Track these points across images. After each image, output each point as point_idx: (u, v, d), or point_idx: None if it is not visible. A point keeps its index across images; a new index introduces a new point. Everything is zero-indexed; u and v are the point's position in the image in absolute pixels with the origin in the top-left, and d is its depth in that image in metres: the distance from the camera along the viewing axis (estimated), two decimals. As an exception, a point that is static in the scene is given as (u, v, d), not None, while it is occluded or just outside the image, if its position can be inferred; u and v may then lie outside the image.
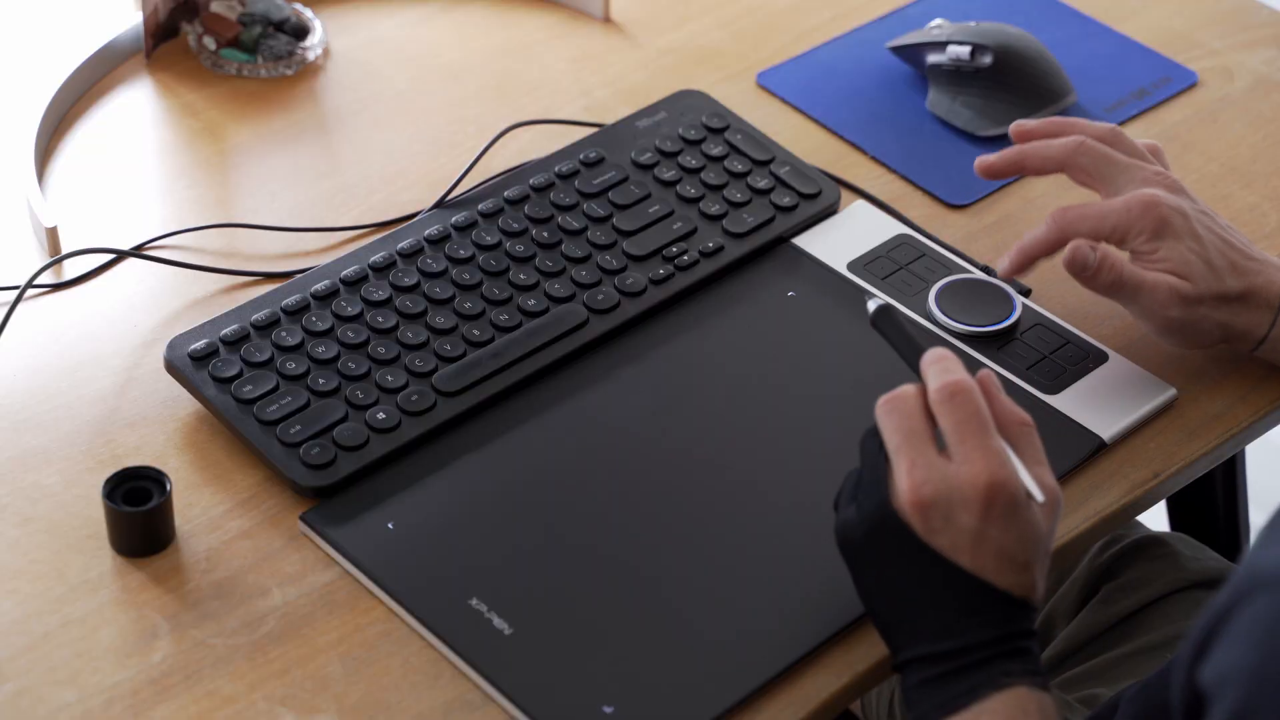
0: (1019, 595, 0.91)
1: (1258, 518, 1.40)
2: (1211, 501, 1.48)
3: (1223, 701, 0.75)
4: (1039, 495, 0.92)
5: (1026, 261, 1.11)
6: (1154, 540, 1.28)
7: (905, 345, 0.99)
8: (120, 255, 1.17)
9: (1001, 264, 1.12)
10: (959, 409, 0.92)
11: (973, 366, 1.12)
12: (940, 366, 0.94)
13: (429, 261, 1.14)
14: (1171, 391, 1.12)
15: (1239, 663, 0.75)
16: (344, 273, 1.13)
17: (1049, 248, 1.10)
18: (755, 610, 0.99)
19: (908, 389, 0.94)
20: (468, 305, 1.12)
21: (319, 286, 1.12)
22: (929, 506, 0.91)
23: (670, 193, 1.21)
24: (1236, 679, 0.75)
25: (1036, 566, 0.92)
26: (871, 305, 1.01)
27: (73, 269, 1.17)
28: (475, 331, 1.11)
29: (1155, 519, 1.36)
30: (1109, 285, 1.08)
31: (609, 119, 1.29)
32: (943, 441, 0.93)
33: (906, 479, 0.91)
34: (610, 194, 1.20)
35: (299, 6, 1.35)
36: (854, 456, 0.96)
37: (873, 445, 0.95)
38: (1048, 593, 1.29)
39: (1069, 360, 1.13)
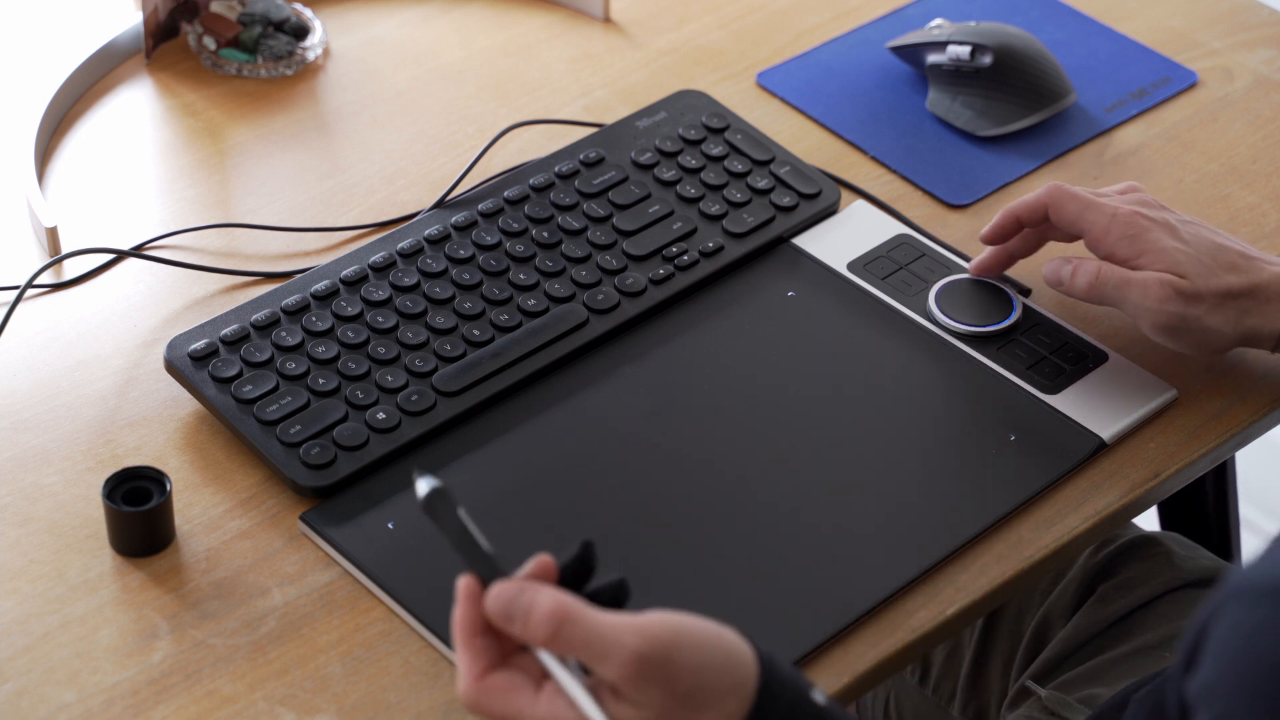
0: None
1: (1250, 514, 1.40)
2: (1202, 499, 1.48)
3: (1203, 714, 0.76)
4: (598, 717, 0.80)
5: (1008, 228, 1.13)
6: (1148, 540, 1.28)
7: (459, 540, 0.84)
8: (120, 255, 1.17)
9: (982, 233, 1.15)
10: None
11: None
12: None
13: (429, 261, 1.14)
14: (1171, 392, 1.12)
15: (1216, 677, 0.76)
16: (344, 273, 1.13)
17: (1033, 216, 1.12)
18: (754, 610, 0.99)
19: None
20: (468, 305, 1.12)
21: (319, 286, 1.12)
22: None
23: (670, 193, 1.21)
24: (1215, 693, 0.75)
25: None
26: (422, 487, 0.84)
27: (73, 269, 1.17)
28: (475, 331, 1.11)
29: (1146, 518, 1.36)
30: (1088, 287, 1.07)
31: (609, 119, 1.29)
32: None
33: None
34: (610, 194, 1.20)
35: (299, 6, 1.35)
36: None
37: None
38: (1044, 593, 1.28)
39: (1069, 360, 1.13)
